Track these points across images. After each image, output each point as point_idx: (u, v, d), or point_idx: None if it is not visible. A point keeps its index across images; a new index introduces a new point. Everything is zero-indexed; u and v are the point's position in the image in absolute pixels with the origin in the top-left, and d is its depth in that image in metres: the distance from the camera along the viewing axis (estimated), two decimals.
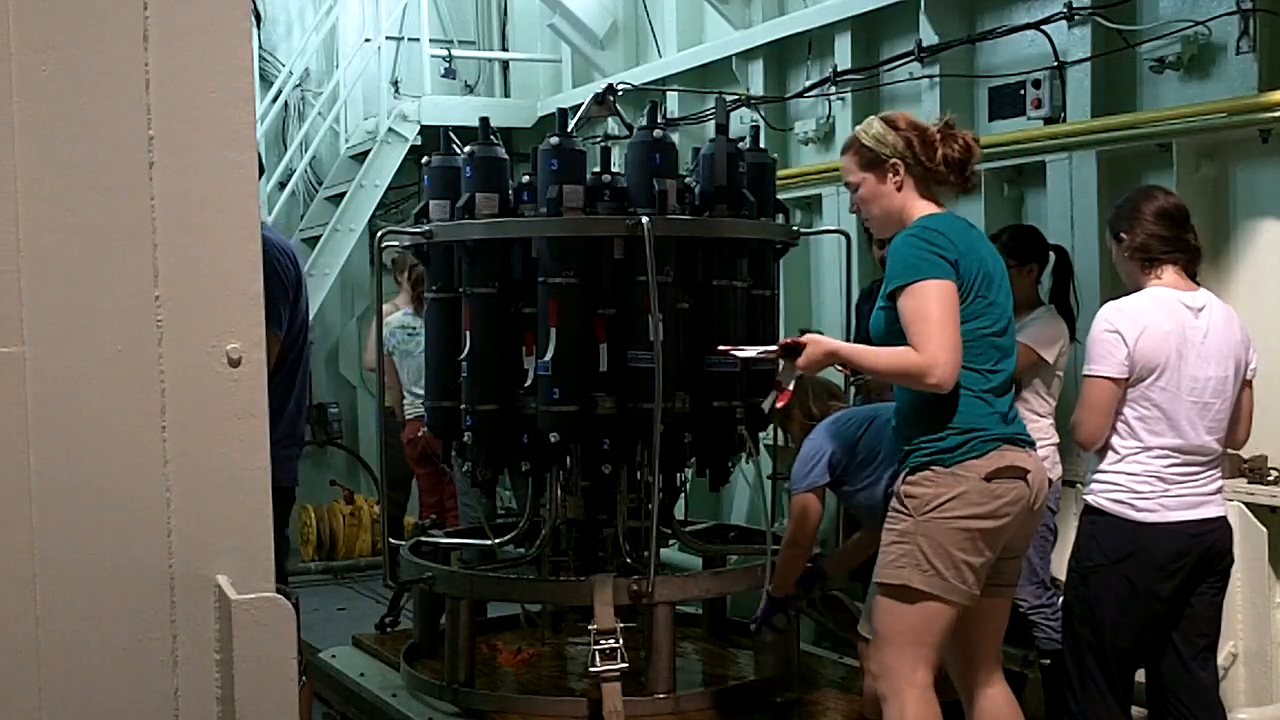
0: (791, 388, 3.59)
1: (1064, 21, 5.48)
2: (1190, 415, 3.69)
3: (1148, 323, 3.68)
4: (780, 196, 5.19)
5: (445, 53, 10.12)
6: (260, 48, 10.15)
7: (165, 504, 1.98)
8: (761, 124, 6.78)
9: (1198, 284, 3.83)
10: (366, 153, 9.49)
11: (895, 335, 3.37)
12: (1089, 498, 3.80)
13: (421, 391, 5.82)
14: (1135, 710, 3.91)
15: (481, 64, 10.69)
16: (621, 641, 4.32)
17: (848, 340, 4.63)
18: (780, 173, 5.57)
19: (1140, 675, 3.87)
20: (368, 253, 8.65)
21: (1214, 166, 5.10)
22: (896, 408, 3.55)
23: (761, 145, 5.17)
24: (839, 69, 6.66)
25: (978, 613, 3.47)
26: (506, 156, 4.81)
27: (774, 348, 3.62)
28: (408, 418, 7.34)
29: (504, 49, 10.63)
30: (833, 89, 6.71)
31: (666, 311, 4.45)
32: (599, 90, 5.54)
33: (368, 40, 9.74)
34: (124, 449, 1.96)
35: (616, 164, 5.14)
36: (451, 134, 5.08)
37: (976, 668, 3.61)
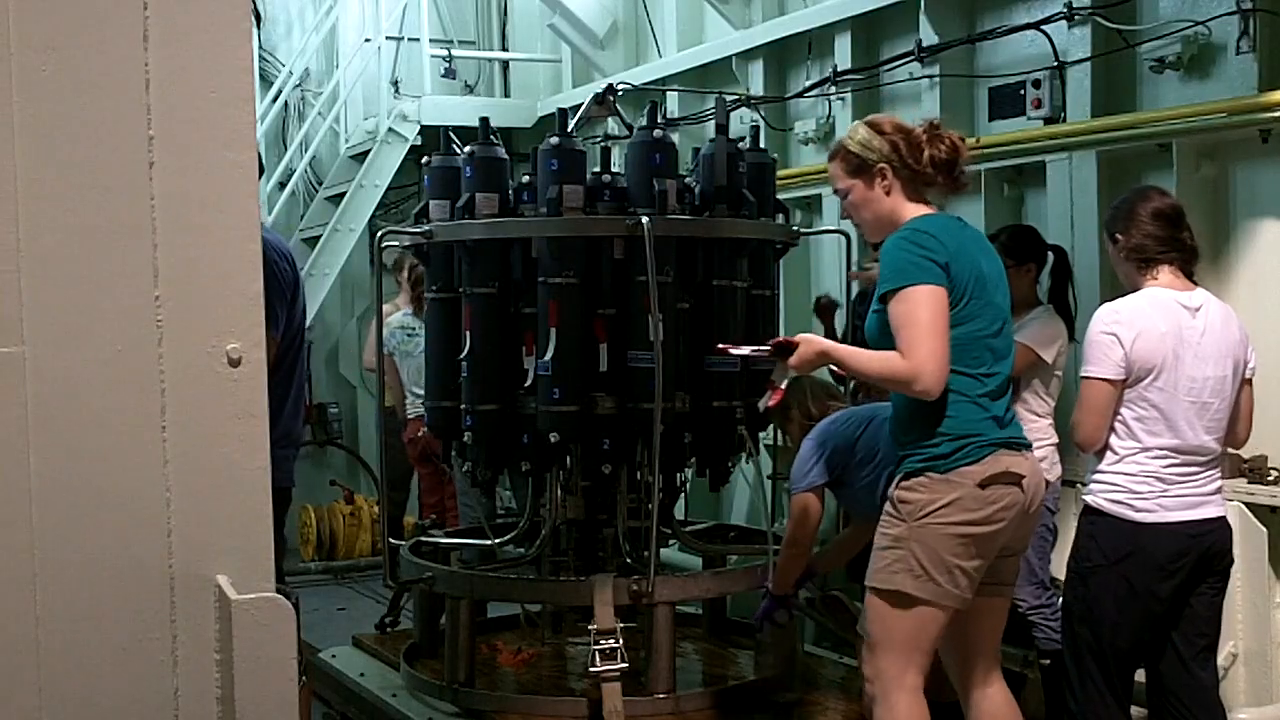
0: (784, 386, 3.59)
1: (1064, 21, 5.48)
2: (1188, 415, 3.68)
3: (1144, 324, 3.68)
4: (780, 196, 5.20)
5: (445, 53, 10.13)
6: (260, 48, 10.15)
7: (165, 504, 1.99)
8: (761, 124, 6.78)
9: (1195, 284, 3.83)
10: (366, 153, 9.49)
11: (889, 339, 3.36)
12: (1088, 498, 3.79)
13: (422, 391, 5.83)
14: (1135, 710, 3.91)
15: (481, 64, 10.70)
16: (621, 641, 4.32)
17: (845, 340, 4.62)
18: (780, 173, 5.57)
19: (1140, 675, 3.87)
20: (368, 253, 8.65)
21: (1214, 166, 5.10)
22: (891, 410, 3.56)
23: (761, 145, 5.18)
24: (839, 69, 6.66)
25: (976, 611, 3.47)
26: (506, 156, 4.82)
27: (766, 347, 3.62)
28: (408, 417, 7.34)
29: (504, 49, 10.64)
30: (833, 89, 6.72)
31: (666, 311, 4.45)
32: (599, 90, 5.55)
33: (368, 40, 9.74)
34: (124, 449, 1.96)
35: (616, 164, 5.14)
36: (451, 134, 5.08)
37: (975, 667, 3.61)
